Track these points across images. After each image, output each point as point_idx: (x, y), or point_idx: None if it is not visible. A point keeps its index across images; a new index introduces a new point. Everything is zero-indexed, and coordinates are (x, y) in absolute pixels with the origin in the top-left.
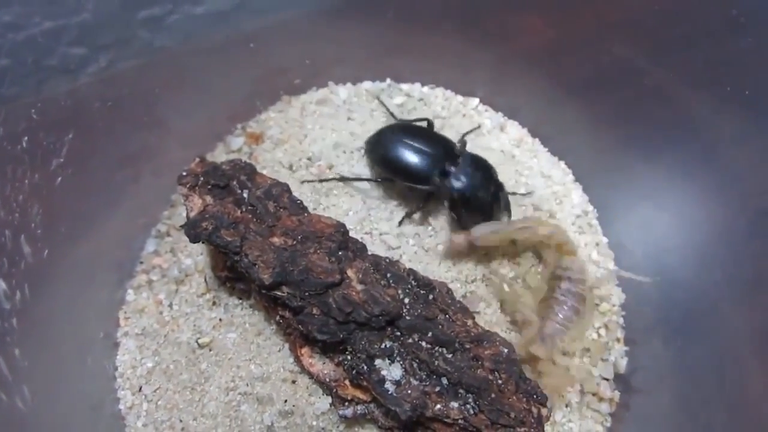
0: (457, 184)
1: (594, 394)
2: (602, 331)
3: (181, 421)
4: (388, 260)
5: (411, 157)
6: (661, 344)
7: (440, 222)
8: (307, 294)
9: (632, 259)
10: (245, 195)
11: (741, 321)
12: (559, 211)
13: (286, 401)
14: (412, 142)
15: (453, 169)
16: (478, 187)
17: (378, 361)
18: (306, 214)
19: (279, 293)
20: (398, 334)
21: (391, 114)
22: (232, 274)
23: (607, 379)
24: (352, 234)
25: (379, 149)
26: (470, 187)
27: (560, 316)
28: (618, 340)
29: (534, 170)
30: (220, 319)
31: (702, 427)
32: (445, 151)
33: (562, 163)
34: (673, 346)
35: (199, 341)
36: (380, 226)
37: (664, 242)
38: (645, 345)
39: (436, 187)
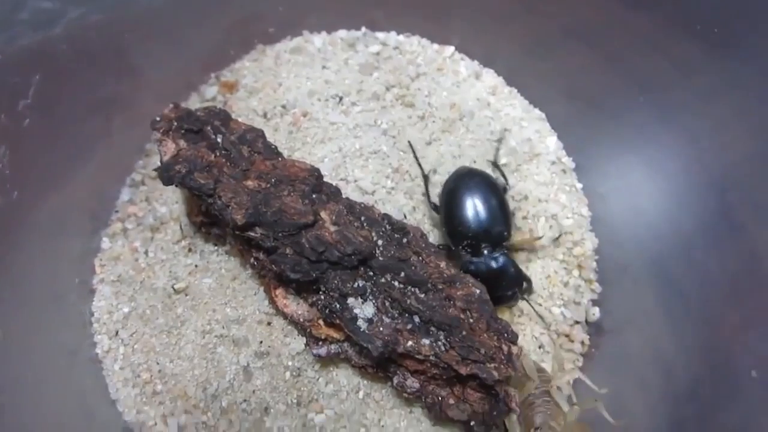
0: (472, 268)
1: (566, 336)
2: (575, 273)
3: (158, 363)
4: (363, 205)
5: (456, 217)
6: (632, 288)
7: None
8: (280, 235)
9: (606, 206)
10: (219, 140)
11: (713, 267)
12: (534, 159)
13: (261, 342)
14: (475, 202)
15: (479, 258)
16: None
17: (350, 300)
18: (280, 159)
19: (252, 234)
20: (371, 273)
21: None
22: (207, 219)
23: (578, 322)
24: (327, 180)
25: (449, 185)
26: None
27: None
28: (590, 282)
29: (509, 117)
30: (196, 266)
31: (670, 369)
32: (488, 234)
33: (537, 110)
34: (644, 291)
35: (175, 287)
36: (355, 173)
37: (638, 190)
38: (616, 288)
39: (458, 255)
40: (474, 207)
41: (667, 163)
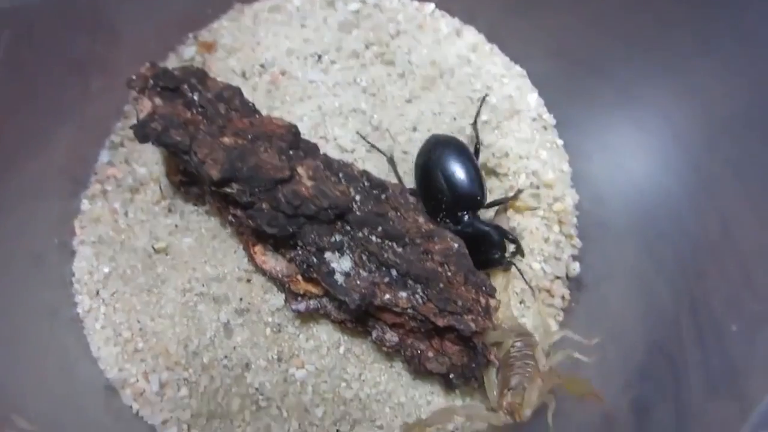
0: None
1: (547, 291)
2: (555, 228)
3: (138, 322)
4: (341, 161)
5: (430, 189)
6: (613, 243)
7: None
8: (256, 190)
9: (587, 162)
10: (196, 98)
11: (693, 224)
12: (515, 116)
13: (241, 299)
14: (444, 171)
15: (459, 224)
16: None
17: (328, 254)
18: (257, 116)
19: (229, 190)
20: (348, 228)
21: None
22: (185, 178)
23: (559, 278)
24: (306, 139)
25: (418, 160)
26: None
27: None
28: (570, 237)
29: (490, 74)
30: (176, 225)
31: (649, 322)
32: (462, 202)
33: (518, 67)
34: (624, 246)
35: (155, 246)
36: (335, 131)
37: (620, 147)
38: (597, 244)
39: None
40: (444, 177)
41: (650, 120)
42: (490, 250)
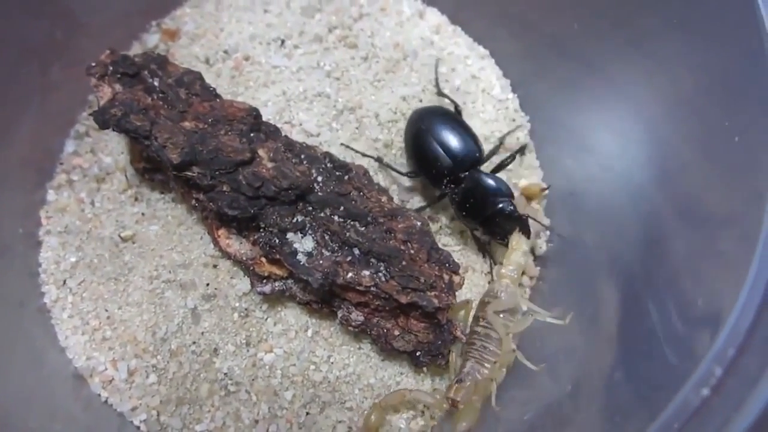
0: (456, 198)
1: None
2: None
3: (106, 310)
4: (304, 144)
5: (427, 161)
6: (576, 218)
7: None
8: (217, 173)
9: (552, 141)
10: (156, 83)
11: (659, 197)
12: (480, 96)
13: (208, 285)
14: (437, 138)
15: (458, 186)
16: (475, 210)
17: (290, 235)
18: (218, 100)
19: (189, 173)
20: (310, 208)
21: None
22: (149, 165)
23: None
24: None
25: (407, 136)
26: (466, 208)
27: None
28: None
29: (454, 55)
30: (143, 214)
31: (610, 294)
32: (463, 162)
33: (482, 48)
34: (587, 219)
35: (122, 235)
36: (300, 116)
37: (585, 124)
38: (561, 219)
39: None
40: (439, 145)
41: (615, 98)
42: (497, 200)
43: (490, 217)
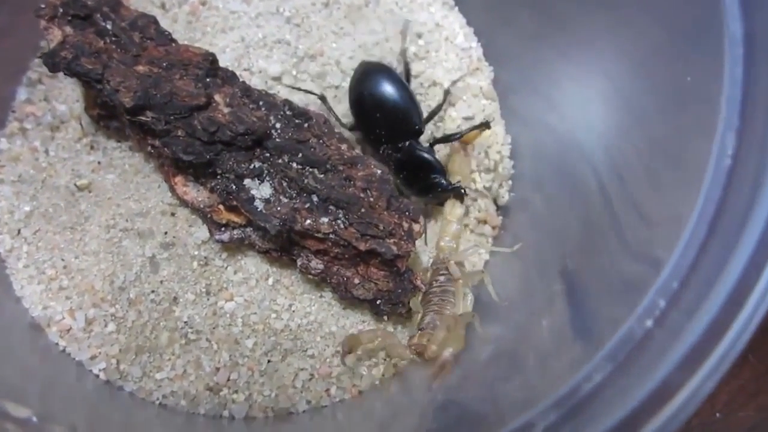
0: (392, 165)
1: (484, 221)
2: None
3: (62, 259)
4: (263, 91)
5: (367, 122)
6: (538, 168)
7: None
8: (171, 117)
9: (515, 92)
10: (109, 26)
11: (620, 148)
12: (443, 45)
13: (166, 233)
14: (378, 105)
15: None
16: (408, 181)
17: (247, 181)
18: (174, 45)
19: (143, 118)
20: (267, 155)
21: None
22: (104, 112)
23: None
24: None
25: (351, 92)
26: (401, 178)
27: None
28: (499, 162)
29: (417, 2)
30: (99, 162)
31: (569, 240)
32: (400, 130)
33: None
34: (549, 170)
35: (78, 184)
36: (259, 63)
37: (549, 77)
38: (524, 172)
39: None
40: (378, 109)
41: (580, 50)
42: (429, 175)
43: (422, 189)
